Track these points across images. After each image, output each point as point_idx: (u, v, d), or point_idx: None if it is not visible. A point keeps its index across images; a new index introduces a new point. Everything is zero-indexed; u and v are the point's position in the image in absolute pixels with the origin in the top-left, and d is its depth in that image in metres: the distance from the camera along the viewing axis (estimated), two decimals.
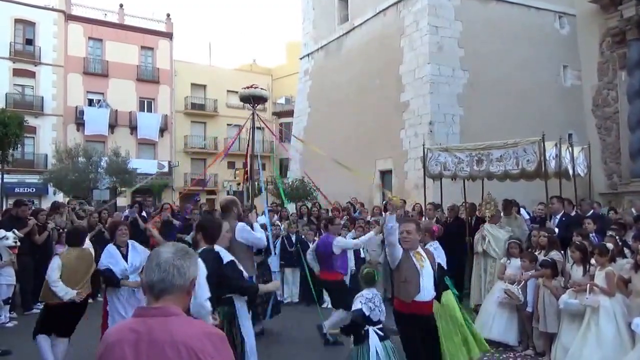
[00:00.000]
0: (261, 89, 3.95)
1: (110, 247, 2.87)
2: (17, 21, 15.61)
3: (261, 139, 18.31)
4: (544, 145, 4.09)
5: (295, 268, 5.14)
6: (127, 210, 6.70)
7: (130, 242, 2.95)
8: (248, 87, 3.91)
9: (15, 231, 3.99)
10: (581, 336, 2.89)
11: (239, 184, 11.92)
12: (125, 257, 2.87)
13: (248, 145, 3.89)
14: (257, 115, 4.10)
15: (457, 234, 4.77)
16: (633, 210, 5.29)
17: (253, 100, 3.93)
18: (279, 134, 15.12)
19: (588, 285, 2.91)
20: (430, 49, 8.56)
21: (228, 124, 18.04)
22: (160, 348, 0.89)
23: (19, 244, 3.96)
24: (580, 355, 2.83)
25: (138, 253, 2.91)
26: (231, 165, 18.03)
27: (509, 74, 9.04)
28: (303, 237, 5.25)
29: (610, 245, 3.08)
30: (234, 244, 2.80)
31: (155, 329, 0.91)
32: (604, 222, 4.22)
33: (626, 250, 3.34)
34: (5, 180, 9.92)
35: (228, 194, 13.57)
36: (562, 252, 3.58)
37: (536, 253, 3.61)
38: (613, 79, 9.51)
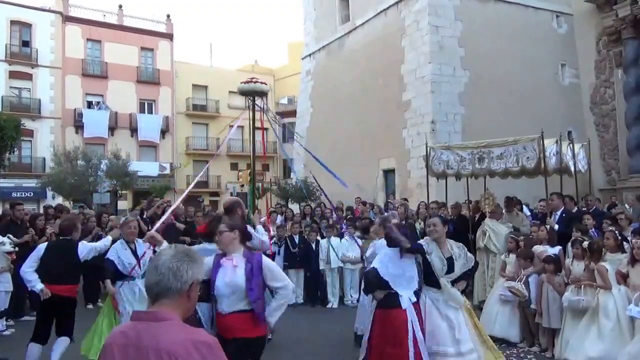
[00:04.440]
0: (261, 83, 3.94)
1: (117, 245, 2.92)
2: (13, 22, 15.46)
3: (263, 139, 18.18)
4: (543, 142, 4.15)
5: (299, 269, 5.14)
6: (128, 213, 6.68)
7: (137, 239, 3.00)
8: (248, 82, 3.90)
9: (11, 236, 3.92)
10: (583, 329, 2.95)
11: (242, 186, 11.89)
12: (134, 252, 2.90)
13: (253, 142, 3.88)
14: (264, 109, 4.08)
15: (461, 232, 4.83)
16: (626, 205, 5.36)
17: (253, 95, 3.91)
18: (282, 134, 15.15)
19: (582, 284, 2.97)
20: (431, 48, 8.64)
21: (230, 125, 17.99)
22: (145, 354, 0.89)
23: (16, 249, 3.90)
24: (581, 347, 2.89)
25: (143, 247, 2.94)
26: (234, 166, 18.01)
27: (509, 73, 9.15)
28: (306, 237, 5.28)
29: (585, 243, 3.15)
30: None
31: (144, 334, 0.91)
32: (603, 218, 4.28)
33: (626, 245, 3.41)
34: (1, 184, 9.80)
35: (231, 195, 13.60)
36: (561, 247, 3.64)
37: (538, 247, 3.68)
38: (610, 76, 9.65)
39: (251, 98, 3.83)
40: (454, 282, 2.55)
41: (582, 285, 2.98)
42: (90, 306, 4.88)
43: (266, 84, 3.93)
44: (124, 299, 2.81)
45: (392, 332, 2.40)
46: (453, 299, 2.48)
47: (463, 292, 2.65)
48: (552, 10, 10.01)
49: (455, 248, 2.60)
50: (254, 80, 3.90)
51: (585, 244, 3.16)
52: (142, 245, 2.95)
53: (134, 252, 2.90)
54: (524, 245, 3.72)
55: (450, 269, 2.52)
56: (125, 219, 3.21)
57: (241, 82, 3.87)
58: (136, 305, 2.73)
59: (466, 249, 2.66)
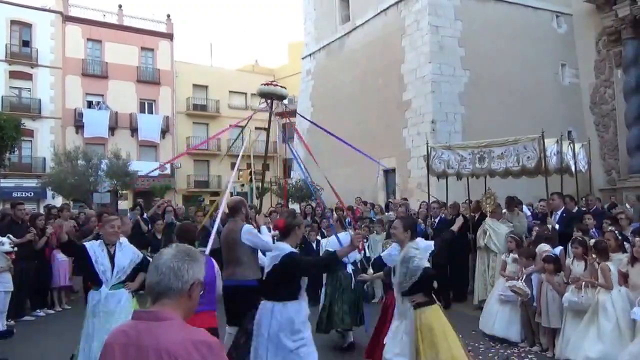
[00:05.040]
0: (281, 86, 3.92)
1: (95, 243, 2.50)
2: (13, 22, 15.44)
3: (264, 139, 18.21)
4: (543, 142, 4.15)
5: None
6: (128, 213, 6.69)
7: (119, 241, 2.55)
8: (268, 84, 3.88)
9: (10, 236, 3.92)
10: (583, 329, 2.96)
11: (242, 185, 11.94)
12: (112, 256, 2.48)
13: (267, 144, 3.85)
14: (282, 106, 4.04)
15: (460, 231, 4.80)
16: (627, 205, 5.37)
17: (272, 98, 3.88)
18: (282, 134, 15.12)
19: (583, 283, 2.97)
20: (431, 48, 8.66)
21: (230, 125, 17.96)
22: (145, 354, 0.89)
23: (15, 249, 3.89)
24: (580, 347, 2.90)
25: (126, 254, 2.53)
26: (234, 166, 17.93)
27: (509, 73, 9.16)
28: (307, 237, 5.28)
29: (592, 241, 3.16)
30: (238, 246, 2.77)
31: (144, 334, 0.91)
32: (603, 218, 4.29)
33: (626, 245, 3.41)
34: (2, 184, 9.82)
35: (232, 195, 13.63)
36: (562, 247, 3.65)
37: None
38: (610, 76, 9.66)
39: (269, 101, 3.79)
40: (409, 293, 2.25)
41: (583, 285, 2.97)
42: None
43: (285, 88, 3.89)
44: (88, 309, 2.45)
45: (383, 311, 2.81)
46: (403, 312, 2.26)
47: (421, 304, 2.26)
48: (551, 10, 10.02)
49: (411, 252, 2.27)
50: (274, 83, 3.88)
51: (592, 241, 3.16)
52: (128, 251, 2.55)
53: (112, 256, 2.47)
54: (533, 242, 3.65)
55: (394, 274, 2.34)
56: (106, 216, 2.76)
57: (261, 84, 3.83)
58: (95, 318, 2.38)
59: (420, 255, 2.25)
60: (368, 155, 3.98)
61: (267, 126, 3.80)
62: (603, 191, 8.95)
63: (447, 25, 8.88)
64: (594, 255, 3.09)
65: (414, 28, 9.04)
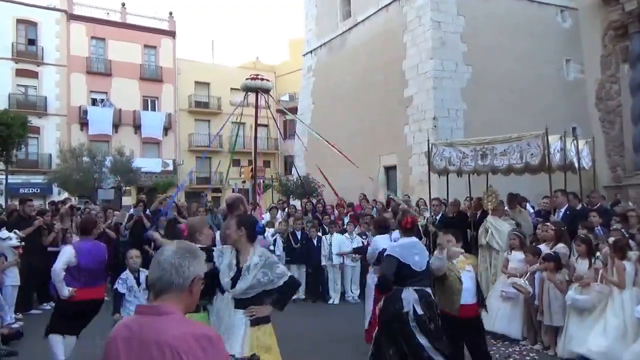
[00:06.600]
0: (265, 80, 3.91)
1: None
2: (19, 21, 15.61)
3: (265, 136, 18.40)
4: (547, 138, 4.11)
5: (300, 264, 5.17)
6: (131, 209, 6.76)
7: None
8: (252, 78, 3.88)
9: (17, 231, 3.99)
10: (590, 323, 2.95)
11: (244, 182, 12.06)
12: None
13: (256, 139, 3.87)
14: (271, 98, 4.07)
15: (460, 229, 4.79)
16: (630, 203, 5.28)
17: (257, 91, 3.88)
18: (283, 131, 15.15)
19: (600, 272, 2.94)
20: (433, 44, 8.59)
21: (232, 122, 18.02)
22: (147, 347, 0.90)
23: (23, 243, 3.97)
24: (585, 341, 2.89)
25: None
26: (236, 163, 18.09)
27: (512, 68, 9.05)
28: (308, 233, 5.31)
29: (612, 240, 3.10)
30: None
31: (146, 328, 0.93)
32: (608, 216, 4.22)
33: (632, 243, 3.35)
34: (9, 180, 10.07)
35: (233, 191, 13.79)
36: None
37: (542, 245, 3.65)
38: (616, 72, 9.49)
39: (254, 94, 3.80)
40: (249, 303, 1.87)
41: (589, 284, 2.96)
42: None
43: (269, 81, 3.89)
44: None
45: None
46: (229, 327, 1.83)
47: (261, 321, 1.88)
48: (556, 4, 9.86)
49: (256, 258, 1.91)
50: (258, 77, 3.89)
51: (611, 240, 3.12)
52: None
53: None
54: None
55: (235, 283, 1.89)
56: (194, 222, 2.39)
57: (246, 79, 3.84)
58: None
59: (278, 263, 1.97)
60: (353, 161, 3.94)
61: (265, 122, 3.80)
62: (608, 188, 8.83)
63: (449, 20, 8.78)
64: (602, 253, 3.06)
65: (416, 24, 8.96)
